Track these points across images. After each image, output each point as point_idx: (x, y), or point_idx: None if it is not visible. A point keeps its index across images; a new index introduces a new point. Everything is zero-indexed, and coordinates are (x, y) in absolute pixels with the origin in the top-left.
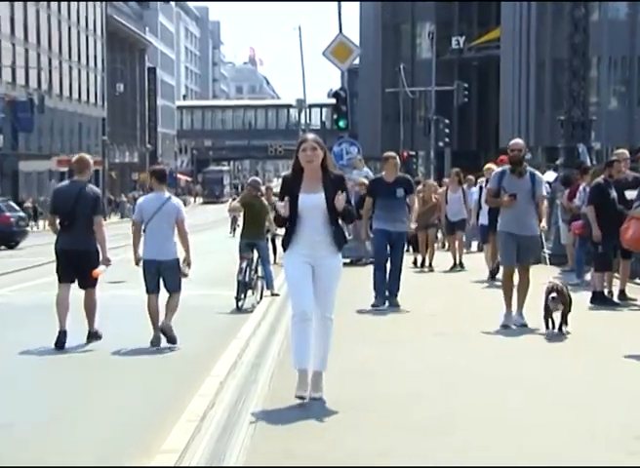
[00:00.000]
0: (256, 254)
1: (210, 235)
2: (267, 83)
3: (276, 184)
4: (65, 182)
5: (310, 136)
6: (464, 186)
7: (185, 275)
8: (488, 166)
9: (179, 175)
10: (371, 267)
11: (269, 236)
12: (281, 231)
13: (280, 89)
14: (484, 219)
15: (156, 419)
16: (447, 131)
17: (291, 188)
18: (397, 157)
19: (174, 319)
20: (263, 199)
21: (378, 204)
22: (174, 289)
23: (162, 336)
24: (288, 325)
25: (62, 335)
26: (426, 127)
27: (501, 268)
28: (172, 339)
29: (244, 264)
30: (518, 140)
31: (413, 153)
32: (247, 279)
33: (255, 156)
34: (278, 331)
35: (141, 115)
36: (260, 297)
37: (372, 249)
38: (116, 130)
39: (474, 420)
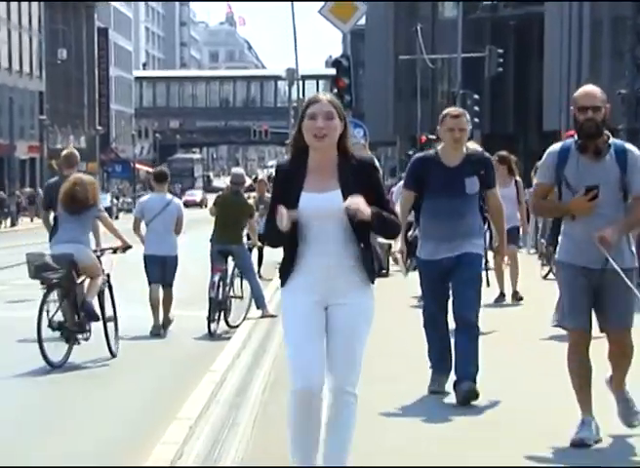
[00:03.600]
0: (231, 265)
1: (186, 240)
2: (249, 48)
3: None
4: (56, 178)
5: (324, 95)
6: (518, 178)
7: None
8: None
9: (137, 166)
10: (398, 277)
11: (249, 245)
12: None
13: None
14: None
15: None
16: (476, 109)
17: (289, 183)
18: (466, 116)
19: (137, 347)
20: (252, 195)
21: (426, 206)
22: (170, 282)
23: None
24: (276, 354)
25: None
26: (451, 104)
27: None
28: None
29: (216, 277)
30: (592, 89)
31: (433, 137)
32: (221, 296)
33: (234, 141)
34: (263, 362)
35: (90, 89)
36: (244, 319)
37: (421, 288)
38: (57, 107)
39: None
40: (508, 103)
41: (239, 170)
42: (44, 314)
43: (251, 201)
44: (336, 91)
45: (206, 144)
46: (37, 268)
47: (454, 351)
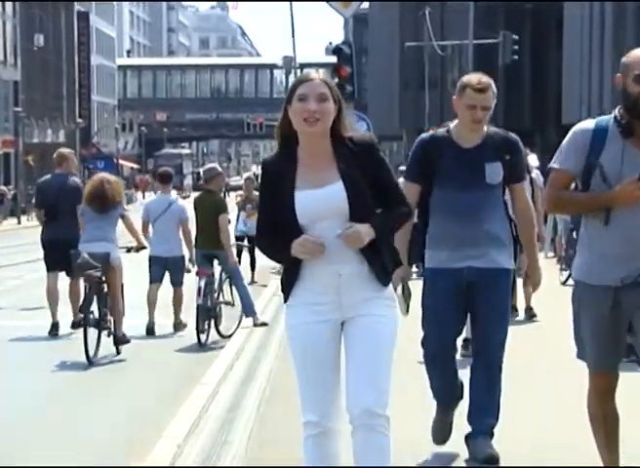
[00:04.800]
0: (218, 269)
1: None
2: (243, 34)
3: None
4: (48, 176)
5: (316, 73)
6: (533, 174)
7: (189, 271)
8: None
9: (121, 161)
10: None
11: (234, 246)
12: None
13: (260, 43)
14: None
15: None
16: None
17: (278, 182)
18: (493, 88)
19: (119, 363)
20: (238, 194)
21: (437, 202)
22: (178, 283)
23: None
24: (272, 366)
25: (55, 327)
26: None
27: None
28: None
29: (202, 282)
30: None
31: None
32: (209, 302)
33: (226, 135)
34: (258, 375)
35: (69, 78)
36: (237, 328)
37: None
38: (34, 98)
39: None
40: (524, 95)
41: (212, 164)
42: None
43: (238, 199)
44: (337, 80)
45: (196, 138)
46: (80, 266)
47: (468, 393)
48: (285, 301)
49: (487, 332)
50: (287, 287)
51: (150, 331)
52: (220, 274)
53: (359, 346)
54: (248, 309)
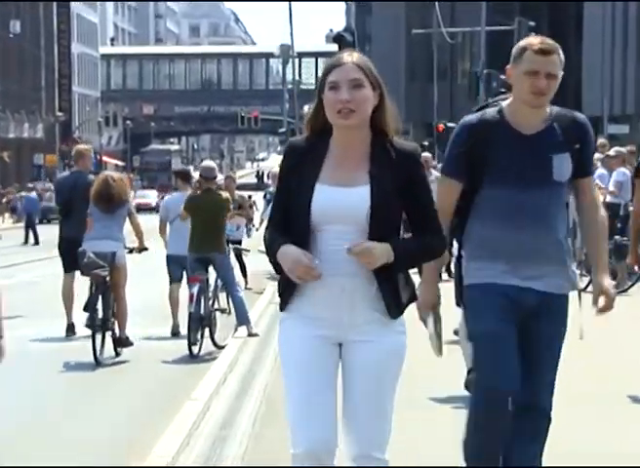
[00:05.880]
0: (213, 275)
1: (159, 246)
2: (237, 21)
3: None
4: (66, 173)
5: (350, 55)
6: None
7: None
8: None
9: (105, 158)
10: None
11: (231, 249)
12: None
13: (256, 30)
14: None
15: None
16: (503, 91)
17: (301, 170)
18: (560, 54)
19: (108, 372)
20: (223, 192)
21: (486, 203)
22: None
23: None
24: (268, 379)
25: (71, 329)
26: (473, 86)
27: None
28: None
29: (195, 289)
30: None
31: (452, 125)
32: (202, 310)
33: (218, 130)
34: (252, 389)
35: (48, 68)
36: (231, 337)
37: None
38: (10, 89)
39: None
40: None
41: (210, 163)
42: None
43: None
44: None
45: (185, 134)
46: (86, 265)
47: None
48: (281, 310)
49: (537, 369)
50: (284, 295)
51: (175, 334)
52: (216, 280)
53: (359, 387)
54: (242, 318)
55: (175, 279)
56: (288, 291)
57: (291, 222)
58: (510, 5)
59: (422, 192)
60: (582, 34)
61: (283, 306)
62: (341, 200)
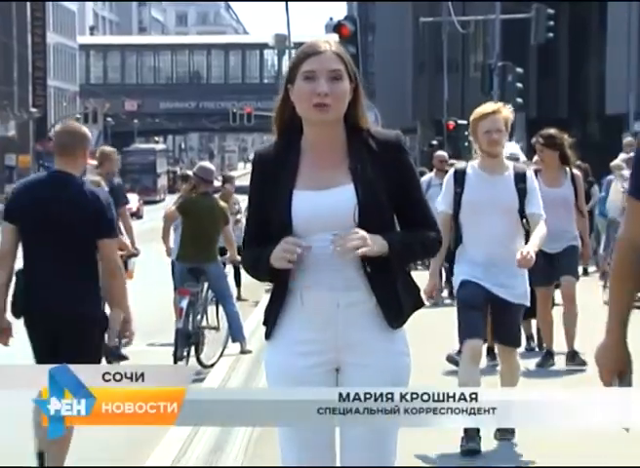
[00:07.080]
0: (205, 286)
1: (145, 255)
2: (228, 8)
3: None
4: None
5: (326, 43)
6: (576, 171)
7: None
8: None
9: None
10: (448, 314)
11: (226, 261)
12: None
13: (249, 19)
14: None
15: None
16: (520, 85)
17: (273, 179)
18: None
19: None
20: (218, 199)
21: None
22: None
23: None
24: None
25: None
26: (486, 80)
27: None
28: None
29: (184, 302)
30: None
31: (464, 122)
32: (191, 327)
33: (207, 127)
34: None
35: (21, 60)
36: (220, 355)
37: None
38: None
39: None
40: (560, 80)
41: (209, 164)
42: None
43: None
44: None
45: (172, 132)
46: None
47: None
48: (266, 338)
49: None
50: (269, 318)
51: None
52: (207, 293)
53: (356, 432)
54: (237, 333)
55: (179, 286)
56: (274, 314)
57: (271, 239)
58: None
59: (410, 182)
60: (606, 25)
61: (269, 333)
62: (324, 204)
